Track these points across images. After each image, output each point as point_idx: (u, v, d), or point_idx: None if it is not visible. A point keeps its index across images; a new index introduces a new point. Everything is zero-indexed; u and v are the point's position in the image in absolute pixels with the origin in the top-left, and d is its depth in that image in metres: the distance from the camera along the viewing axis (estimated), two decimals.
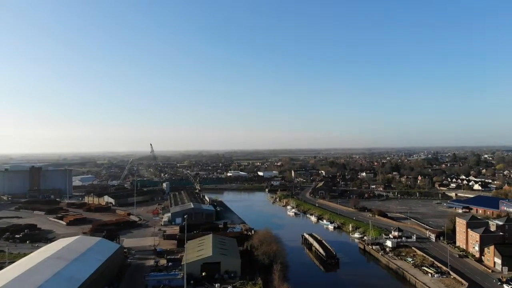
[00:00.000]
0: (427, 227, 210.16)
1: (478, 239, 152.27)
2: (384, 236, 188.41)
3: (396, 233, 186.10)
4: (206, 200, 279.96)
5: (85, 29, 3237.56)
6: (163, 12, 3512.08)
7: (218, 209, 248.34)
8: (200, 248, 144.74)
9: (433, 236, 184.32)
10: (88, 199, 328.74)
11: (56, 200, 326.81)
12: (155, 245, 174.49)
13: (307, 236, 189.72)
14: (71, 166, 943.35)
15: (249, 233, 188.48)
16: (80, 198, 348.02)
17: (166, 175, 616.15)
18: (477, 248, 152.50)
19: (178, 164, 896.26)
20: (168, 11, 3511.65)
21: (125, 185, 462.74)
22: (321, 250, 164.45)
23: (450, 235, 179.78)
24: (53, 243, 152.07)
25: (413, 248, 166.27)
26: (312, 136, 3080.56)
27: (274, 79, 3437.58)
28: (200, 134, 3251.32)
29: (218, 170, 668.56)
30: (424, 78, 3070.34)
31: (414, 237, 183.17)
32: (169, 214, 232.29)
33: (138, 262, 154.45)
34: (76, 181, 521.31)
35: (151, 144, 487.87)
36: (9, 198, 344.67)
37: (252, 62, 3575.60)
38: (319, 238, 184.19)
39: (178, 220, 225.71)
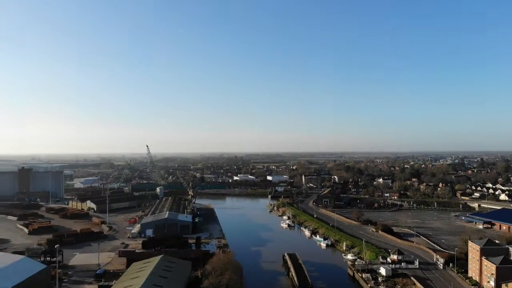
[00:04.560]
0: (438, 247, 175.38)
1: (494, 271, 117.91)
2: (380, 259, 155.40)
3: (394, 257, 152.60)
4: (189, 208, 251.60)
5: (95, 28, 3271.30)
6: (179, 15, 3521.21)
7: (197, 219, 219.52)
8: (136, 275, 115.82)
9: (441, 261, 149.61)
10: (72, 204, 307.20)
11: (38, 204, 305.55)
12: (100, 264, 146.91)
13: (287, 257, 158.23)
14: (86, 167, 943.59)
15: (223, 250, 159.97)
16: (66, 203, 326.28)
17: (172, 178, 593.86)
18: (492, 282, 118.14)
19: (191, 167, 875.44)
20: (185, 14, 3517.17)
21: (125, 189, 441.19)
22: (295, 278, 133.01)
23: (462, 262, 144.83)
24: None
25: (412, 278, 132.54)
26: (338, 139, 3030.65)
27: (304, 83, 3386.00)
28: (227, 136, 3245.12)
29: (229, 174, 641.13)
30: (455, 81, 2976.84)
31: (416, 262, 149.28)
32: (139, 225, 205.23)
33: (70, 286, 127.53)
34: (78, 183, 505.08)
35: (147, 146, 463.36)
36: None
37: (276, 66, 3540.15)
38: (299, 260, 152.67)
39: (149, 232, 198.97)
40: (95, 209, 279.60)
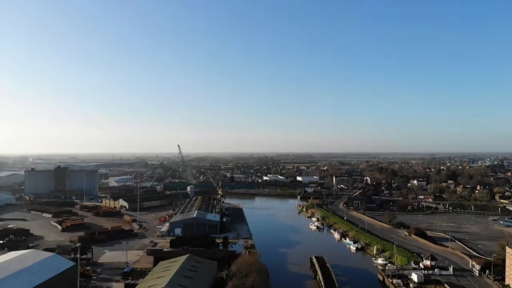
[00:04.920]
0: (474, 253, 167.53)
1: None
2: (412, 264, 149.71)
3: (427, 262, 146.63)
4: (218, 207, 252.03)
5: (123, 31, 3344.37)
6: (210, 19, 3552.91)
7: (225, 219, 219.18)
8: (161, 275, 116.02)
9: (477, 268, 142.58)
10: (105, 202, 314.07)
11: (73, 202, 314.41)
12: (128, 262, 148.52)
13: (315, 260, 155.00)
14: (121, 166, 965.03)
15: (249, 251, 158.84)
16: (100, 201, 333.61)
17: (204, 178, 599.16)
18: None
19: (222, 166, 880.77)
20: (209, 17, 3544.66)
21: (158, 187, 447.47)
22: (322, 282, 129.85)
23: (499, 268, 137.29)
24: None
25: (445, 285, 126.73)
26: (372, 139, 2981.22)
27: (335, 81, 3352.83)
28: (257, 137, 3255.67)
29: (258, 174, 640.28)
30: (493, 79, 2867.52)
31: (451, 269, 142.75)
32: (168, 224, 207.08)
33: (99, 284, 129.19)
34: (112, 182, 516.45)
35: (178, 146, 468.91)
36: (31, 198, 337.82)
37: (310, 63, 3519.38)
38: (327, 263, 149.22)
39: (178, 230, 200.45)
40: (127, 207, 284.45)
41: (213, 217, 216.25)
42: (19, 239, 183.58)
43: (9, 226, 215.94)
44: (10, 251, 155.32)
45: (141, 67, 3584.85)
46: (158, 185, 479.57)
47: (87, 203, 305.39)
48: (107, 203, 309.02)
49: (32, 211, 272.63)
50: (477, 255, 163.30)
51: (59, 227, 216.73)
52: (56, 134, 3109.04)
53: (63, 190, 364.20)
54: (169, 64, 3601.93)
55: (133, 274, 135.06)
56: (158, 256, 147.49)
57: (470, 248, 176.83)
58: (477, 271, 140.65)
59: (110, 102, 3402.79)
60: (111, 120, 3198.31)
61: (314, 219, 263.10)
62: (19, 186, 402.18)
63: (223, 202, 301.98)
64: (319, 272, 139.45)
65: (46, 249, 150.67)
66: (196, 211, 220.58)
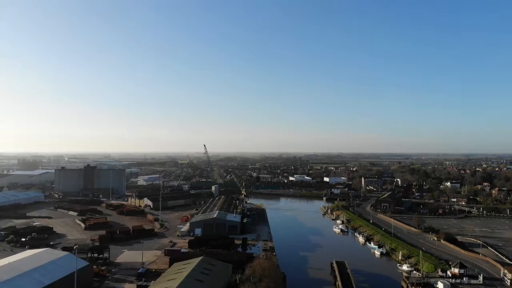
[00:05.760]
0: (507, 260, 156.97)
1: None
2: (439, 272, 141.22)
3: (456, 270, 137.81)
4: (239, 208, 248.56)
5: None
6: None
7: (245, 220, 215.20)
8: (173, 277, 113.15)
9: (508, 277, 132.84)
10: (131, 201, 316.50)
11: (99, 201, 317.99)
12: (144, 263, 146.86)
13: (335, 264, 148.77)
14: (152, 165, 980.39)
15: (267, 254, 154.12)
16: (126, 199, 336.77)
17: (230, 177, 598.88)
18: None
19: (250, 166, 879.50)
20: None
21: (185, 186, 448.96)
22: None
23: None
24: (15, 255, 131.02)
25: None
26: (406, 140, 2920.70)
27: (368, 82, 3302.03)
28: (290, 137, 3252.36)
29: (285, 174, 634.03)
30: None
31: (480, 277, 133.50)
32: (189, 224, 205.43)
33: (112, 284, 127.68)
34: (141, 180, 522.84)
35: (204, 145, 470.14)
36: (60, 196, 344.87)
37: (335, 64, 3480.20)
38: (347, 269, 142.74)
39: (198, 231, 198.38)
40: (151, 206, 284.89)
41: (234, 217, 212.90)
42: (42, 237, 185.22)
43: (34, 223, 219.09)
44: (31, 249, 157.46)
45: (180, 71, 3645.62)
46: (186, 184, 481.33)
47: (112, 202, 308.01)
48: (133, 202, 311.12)
49: (59, 209, 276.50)
50: (510, 262, 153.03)
51: (83, 225, 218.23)
52: (92, 134, 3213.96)
53: (91, 188, 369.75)
54: (205, 70, 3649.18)
55: (148, 275, 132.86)
56: (174, 257, 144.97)
57: (503, 255, 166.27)
58: (509, 280, 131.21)
59: (146, 105, 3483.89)
60: (143, 121, 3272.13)
61: (338, 221, 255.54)
62: (50, 184, 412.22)
63: (246, 203, 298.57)
64: (338, 278, 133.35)
65: (63, 248, 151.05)
66: (217, 211, 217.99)
